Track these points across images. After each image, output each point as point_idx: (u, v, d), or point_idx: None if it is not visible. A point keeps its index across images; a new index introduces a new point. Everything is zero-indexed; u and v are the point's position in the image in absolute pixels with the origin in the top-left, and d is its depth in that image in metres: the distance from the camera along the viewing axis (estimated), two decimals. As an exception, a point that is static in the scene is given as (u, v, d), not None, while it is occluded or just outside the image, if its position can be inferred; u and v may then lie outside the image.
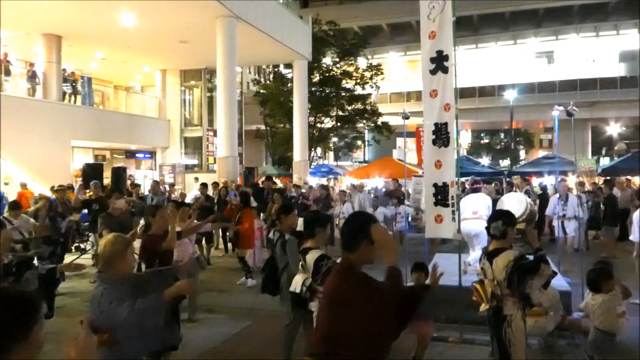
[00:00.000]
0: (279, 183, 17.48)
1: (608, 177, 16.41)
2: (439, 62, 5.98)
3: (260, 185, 14.36)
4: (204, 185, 12.68)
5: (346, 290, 2.43)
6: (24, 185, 13.79)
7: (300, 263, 4.23)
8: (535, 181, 18.41)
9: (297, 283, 4.24)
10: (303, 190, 15.12)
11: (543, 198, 13.27)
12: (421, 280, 5.17)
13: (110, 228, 6.99)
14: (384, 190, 17.40)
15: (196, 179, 17.84)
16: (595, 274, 5.01)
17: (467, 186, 13.07)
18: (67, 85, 18.81)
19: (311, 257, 4.03)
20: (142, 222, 10.31)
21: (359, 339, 2.35)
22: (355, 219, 2.66)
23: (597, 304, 4.90)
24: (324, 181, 22.53)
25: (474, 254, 8.06)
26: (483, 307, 4.00)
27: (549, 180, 17.03)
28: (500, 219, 4.02)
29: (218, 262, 11.40)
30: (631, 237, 8.34)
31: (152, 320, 2.95)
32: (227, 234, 11.76)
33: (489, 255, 4.00)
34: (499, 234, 3.96)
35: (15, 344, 1.64)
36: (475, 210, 7.67)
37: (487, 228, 4.10)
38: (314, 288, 4.05)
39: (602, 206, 11.71)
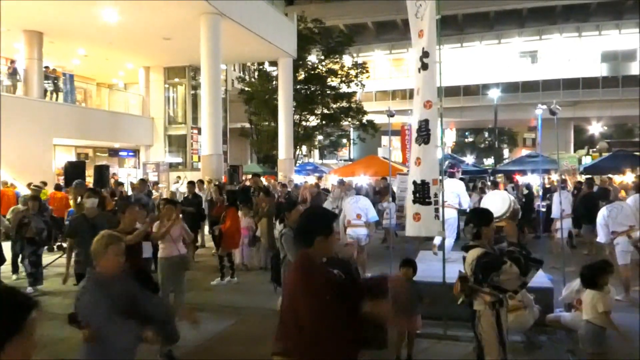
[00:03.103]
0: (264, 181, 17.41)
1: (590, 176, 16.64)
2: (421, 60, 6.01)
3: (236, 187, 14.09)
4: (191, 184, 12.59)
5: (307, 284, 2.49)
6: (4, 184, 13.57)
7: None
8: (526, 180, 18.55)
9: None
10: (289, 189, 15.08)
11: (529, 197, 13.44)
12: (409, 275, 5.25)
13: (80, 231, 6.12)
14: (371, 187, 17.42)
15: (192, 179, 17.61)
16: (594, 270, 5.05)
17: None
18: (48, 83, 18.53)
19: None
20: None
21: (324, 332, 2.38)
22: (308, 216, 2.79)
23: (591, 299, 4.89)
24: (309, 179, 22.52)
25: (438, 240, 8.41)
26: (459, 300, 4.10)
27: (534, 179, 17.18)
28: (471, 221, 4.10)
29: (203, 261, 11.32)
30: (597, 239, 8.14)
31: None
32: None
33: (465, 250, 4.09)
34: (471, 236, 4.06)
35: (6, 342, 1.58)
36: (445, 199, 7.99)
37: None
38: None
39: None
